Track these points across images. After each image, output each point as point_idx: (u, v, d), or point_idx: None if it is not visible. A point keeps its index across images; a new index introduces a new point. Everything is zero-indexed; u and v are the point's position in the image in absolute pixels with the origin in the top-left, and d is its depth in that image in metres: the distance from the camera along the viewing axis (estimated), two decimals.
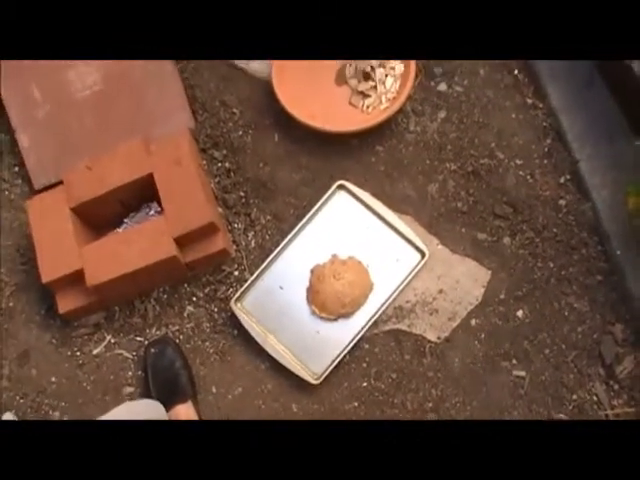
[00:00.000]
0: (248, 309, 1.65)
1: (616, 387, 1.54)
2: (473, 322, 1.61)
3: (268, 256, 1.66)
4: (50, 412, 1.68)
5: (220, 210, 1.74)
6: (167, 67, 1.80)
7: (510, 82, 1.75)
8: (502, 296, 1.62)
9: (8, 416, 1.67)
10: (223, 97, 1.82)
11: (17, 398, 1.69)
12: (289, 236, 1.66)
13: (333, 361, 1.59)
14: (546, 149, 1.69)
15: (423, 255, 1.62)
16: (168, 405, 1.58)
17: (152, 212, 1.73)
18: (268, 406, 1.62)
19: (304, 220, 1.67)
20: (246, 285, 1.65)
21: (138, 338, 1.70)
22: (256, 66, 1.83)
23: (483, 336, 1.60)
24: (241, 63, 1.83)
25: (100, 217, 1.71)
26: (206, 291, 1.70)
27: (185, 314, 1.70)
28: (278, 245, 1.67)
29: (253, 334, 1.62)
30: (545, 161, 1.68)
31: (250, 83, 1.83)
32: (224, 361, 1.66)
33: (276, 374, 1.63)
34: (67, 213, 1.64)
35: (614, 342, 1.56)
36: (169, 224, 1.59)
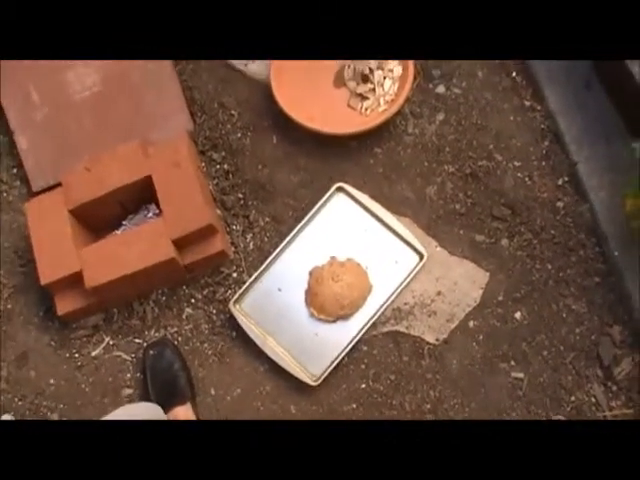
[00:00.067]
0: (247, 311, 1.65)
1: (614, 388, 1.54)
2: (471, 324, 1.61)
3: (267, 258, 1.66)
4: (49, 414, 1.67)
5: (219, 212, 1.74)
6: (166, 69, 1.80)
7: (508, 84, 1.75)
8: (500, 298, 1.62)
9: (6, 418, 1.67)
10: (222, 99, 1.83)
11: (15, 400, 1.69)
12: (288, 238, 1.67)
13: (332, 363, 1.59)
14: (544, 151, 1.69)
15: (421, 257, 1.63)
16: (167, 407, 1.58)
17: (150, 214, 1.73)
18: (267, 408, 1.62)
19: (303, 222, 1.67)
20: (245, 287, 1.65)
21: (137, 340, 1.70)
22: (255, 68, 1.83)
23: (481, 338, 1.60)
24: (240, 65, 1.83)
25: (99, 219, 1.71)
26: (205, 293, 1.70)
27: (184, 316, 1.70)
28: (277, 247, 1.67)
29: (252, 336, 1.62)
30: (543, 163, 1.69)
31: (249, 85, 1.83)
32: (223, 363, 1.66)
33: (275, 376, 1.63)
34: (66, 215, 1.64)
35: (612, 344, 1.56)
36: (167, 226, 1.59)
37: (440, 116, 1.75)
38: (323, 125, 1.70)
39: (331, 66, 1.77)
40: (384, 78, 1.73)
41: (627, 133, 1.60)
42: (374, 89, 1.73)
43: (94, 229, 1.73)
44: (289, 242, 1.67)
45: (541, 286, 1.62)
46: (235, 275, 1.70)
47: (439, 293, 1.63)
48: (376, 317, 1.61)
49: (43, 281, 1.61)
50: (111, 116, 1.79)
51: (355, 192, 1.68)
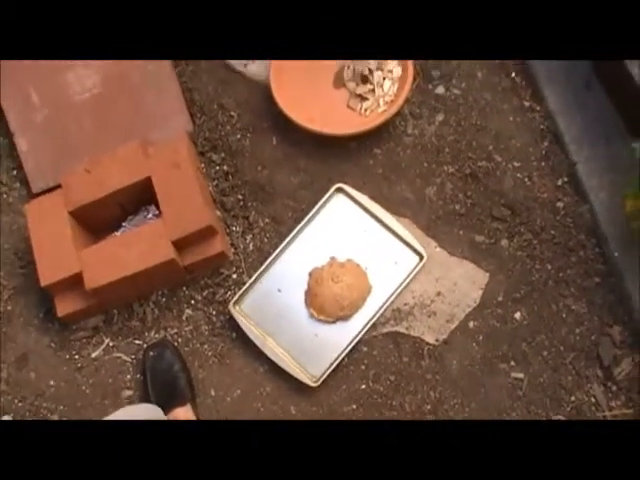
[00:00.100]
0: (246, 312, 1.65)
1: (614, 389, 1.54)
2: (471, 324, 1.61)
3: (266, 259, 1.66)
4: (49, 415, 1.68)
5: (218, 213, 1.74)
6: (165, 70, 1.80)
7: (508, 85, 1.75)
8: (500, 298, 1.62)
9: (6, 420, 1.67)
10: (221, 100, 1.83)
11: (15, 401, 1.69)
12: (287, 239, 1.67)
13: (331, 364, 1.59)
14: (544, 151, 1.69)
15: (421, 258, 1.63)
16: (167, 408, 1.58)
17: (150, 215, 1.73)
18: (267, 409, 1.62)
19: (302, 223, 1.67)
20: (244, 288, 1.65)
21: (137, 341, 1.70)
22: (254, 69, 1.83)
23: (481, 338, 1.60)
24: (239, 66, 1.84)
25: (98, 220, 1.71)
26: (204, 294, 1.70)
27: (184, 317, 1.70)
28: (276, 248, 1.67)
29: (252, 337, 1.62)
30: (543, 163, 1.69)
31: (248, 86, 1.83)
32: (223, 364, 1.66)
33: (275, 377, 1.63)
34: (65, 216, 1.64)
35: (612, 344, 1.56)
36: (167, 227, 1.59)
37: (439, 117, 1.75)
38: (323, 126, 1.70)
39: (331, 67, 1.77)
40: (383, 79, 1.73)
41: (627, 133, 1.60)
42: (373, 90, 1.73)
43: (94, 230, 1.73)
44: (289, 243, 1.67)
45: (541, 286, 1.62)
46: (235, 276, 1.70)
47: (439, 294, 1.63)
48: (376, 318, 1.61)
49: (43, 283, 1.62)
50: (111, 117, 1.79)
51: (355, 193, 1.68)
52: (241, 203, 1.75)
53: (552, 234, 1.64)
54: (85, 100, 1.81)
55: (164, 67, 1.80)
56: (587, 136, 1.65)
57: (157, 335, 1.69)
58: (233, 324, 1.65)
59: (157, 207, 1.67)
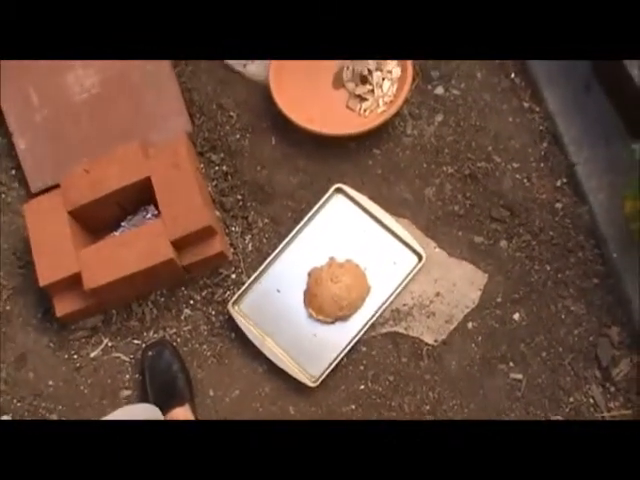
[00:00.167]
0: (245, 312, 1.65)
1: (612, 389, 1.54)
2: (470, 325, 1.61)
3: (265, 259, 1.66)
4: (47, 415, 1.67)
5: (217, 213, 1.74)
6: (165, 70, 1.80)
7: (507, 86, 1.75)
8: (499, 299, 1.62)
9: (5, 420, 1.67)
10: (220, 100, 1.83)
11: (14, 401, 1.69)
12: (286, 239, 1.67)
13: (330, 364, 1.59)
14: (543, 152, 1.69)
15: (420, 258, 1.63)
16: (165, 408, 1.58)
17: (149, 215, 1.73)
18: (266, 409, 1.62)
19: (301, 223, 1.67)
20: (243, 288, 1.65)
21: (135, 341, 1.70)
22: (254, 69, 1.83)
23: (480, 339, 1.61)
24: (238, 66, 1.84)
25: (97, 220, 1.71)
26: (203, 294, 1.70)
27: (182, 317, 1.70)
28: (275, 248, 1.67)
29: (250, 337, 1.62)
30: (542, 164, 1.69)
31: (247, 86, 1.83)
32: (221, 364, 1.66)
33: (274, 377, 1.63)
34: (64, 216, 1.64)
35: (610, 345, 1.56)
36: (166, 227, 1.59)
37: (439, 117, 1.75)
38: (322, 126, 1.70)
39: (330, 67, 1.77)
40: (383, 79, 1.73)
41: (626, 135, 1.60)
42: (373, 90, 1.73)
43: (93, 230, 1.73)
44: (288, 243, 1.67)
45: (540, 287, 1.62)
46: (234, 276, 1.70)
47: (438, 294, 1.63)
48: (375, 318, 1.61)
49: (42, 282, 1.61)
50: (110, 118, 1.79)
51: (354, 193, 1.68)
52: (240, 203, 1.75)
53: (551, 235, 1.64)
54: (84, 100, 1.81)
55: (163, 67, 1.80)
56: (586, 137, 1.65)
57: (156, 335, 1.69)
58: (232, 324, 1.65)
59: (156, 207, 1.67)
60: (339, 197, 1.69)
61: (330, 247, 1.66)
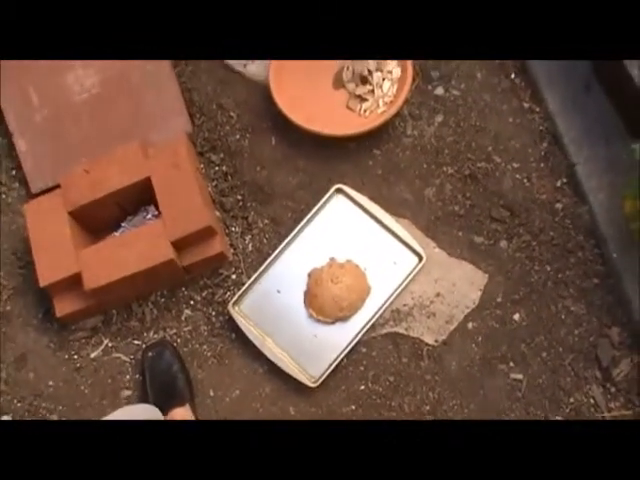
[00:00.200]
0: (246, 312, 1.65)
1: (613, 390, 1.54)
2: (470, 325, 1.61)
3: (266, 259, 1.66)
4: (47, 415, 1.67)
5: (217, 214, 1.74)
6: (165, 70, 1.80)
7: (507, 86, 1.75)
8: (499, 299, 1.62)
9: (5, 420, 1.67)
10: (220, 100, 1.83)
11: (14, 402, 1.69)
12: (287, 239, 1.67)
13: (331, 364, 1.59)
14: (543, 153, 1.69)
15: (420, 258, 1.63)
16: (166, 408, 1.58)
17: (149, 216, 1.73)
18: (266, 409, 1.62)
19: (302, 223, 1.67)
20: (244, 288, 1.65)
21: (136, 342, 1.70)
22: (254, 69, 1.83)
23: (480, 339, 1.60)
24: (239, 66, 1.84)
25: (98, 221, 1.71)
26: (204, 294, 1.70)
27: (183, 317, 1.70)
28: (276, 248, 1.67)
29: (251, 337, 1.62)
30: (542, 164, 1.69)
31: (247, 87, 1.83)
32: (222, 364, 1.66)
33: (274, 377, 1.63)
34: (65, 217, 1.64)
35: (611, 345, 1.56)
36: (167, 227, 1.59)
37: (439, 118, 1.75)
38: (322, 127, 1.70)
39: (330, 68, 1.77)
40: (383, 80, 1.73)
41: (626, 134, 1.60)
42: (373, 91, 1.73)
43: (93, 231, 1.73)
44: (288, 244, 1.67)
45: (540, 288, 1.62)
46: (234, 277, 1.70)
47: (438, 294, 1.63)
48: (375, 319, 1.61)
49: (42, 283, 1.61)
50: (110, 118, 1.79)
51: (354, 194, 1.68)
52: (240, 203, 1.75)
53: (551, 235, 1.64)
54: (84, 100, 1.81)
55: (163, 67, 1.80)
56: (586, 137, 1.65)
57: (156, 335, 1.69)
58: (232, 324, 1.65)
59: (156, 207, 1.67)
60: (339, 197, 1.69)
61: (330, 247, 1.66)
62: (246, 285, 1.65)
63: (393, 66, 1.73)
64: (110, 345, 1.70)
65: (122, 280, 1.58)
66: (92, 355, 1.70)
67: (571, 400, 1.55)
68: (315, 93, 1.77)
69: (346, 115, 1.75)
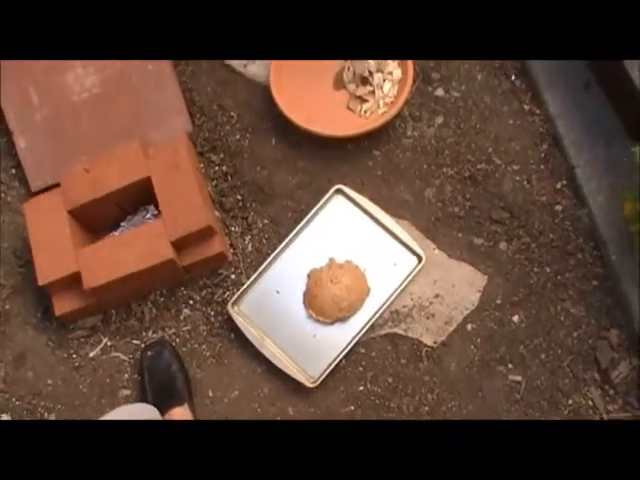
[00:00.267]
0: (245, 312, 1.65)
1: (611, 392, 1.54)
2: (469, 327, 1.61)
3: (265, 260, 1.66)
4: (46, 414, 1.67)
5: (217, 214, 1.74)
6: (165, 70, 1.80)
7: (507, 88, 1.75)
8: (498, 301, 1.62)
9: (4, 418, 1.66)
10: (221, 101, 1.83)
11: (13, 400, 1.69)
12: (286, 240, 1.67)
13: (330, 365, 1.59)
14: (543, 155, 1.69)
15: (420, 259, 1.63)
16: (164, 408, 1.58)
17: (149, 215, 1.73)
18: (264, 409, 1.62)
19: (301, 224, 1.67)
20: (243, 288, 1.65)
21: (135, 341, 1.69)
22: (254, 70, 1.83)
23: (479, 341, 1.61)
24: (239, 67, 1.84)
25: (97, 220, 1.71)
26: (203, 294, 1.70)
27: (182, 317, 1.70)
28: (275, 249, 1.67)
29: (250, 337, 1.62)
30: (542, 166, 1.69)
31: (248, 87, 1.83)
32: (221, 364, 1.66)
33: (273, 377, 1.63)
34: (64, 215, 1.64)
35: (610, 347, 1.56)
36: (166, 227, 1.59)
37: (439, 119, 1.75)
38: (322, 127, 1.70)
39: (331, 68, 1.77)
40: (383, 81, 1.73)
41: (626, 137, 1.60)
42: (373, 92, 1.73)
43: (92, 230, 1.73)
44: (288, 244, 1.67)
45: (539, 289, 1.62)
46: (233, 277, 1.70)
47: (437, 296, 1.63)
48: (374, 319, 1.61)
49: (41, 282, 1.61)
50: (110, 117, 1.79)
51: (354, 194, 1.68)
52: (240, 204, 1.75)
53: (551, 237, 1.64)
54: (84, 100, 1.81)
55: (164, 67, 1.80)
56: (586, 139, 1.65)
57: (155, 335, 1.69)
58: (231, 324, 1.65)
59: (156, 207, 1.67)
60: (339, 198, 1.69)
61: (330, 248, 1.66)
62: (245, 285, 1.65)
63: (394, 67, 1.73)
64: (109, 344, 1.70)
65: (121, 279, 1.58)
66: (91, 354, 1.70)
67: (570, 402, 1.55)
68: (315, 94, 1.77)
69: (346, 116, 1.75)
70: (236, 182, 1.76)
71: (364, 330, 1.60)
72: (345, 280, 1.60)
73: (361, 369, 1.62)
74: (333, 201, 1.69)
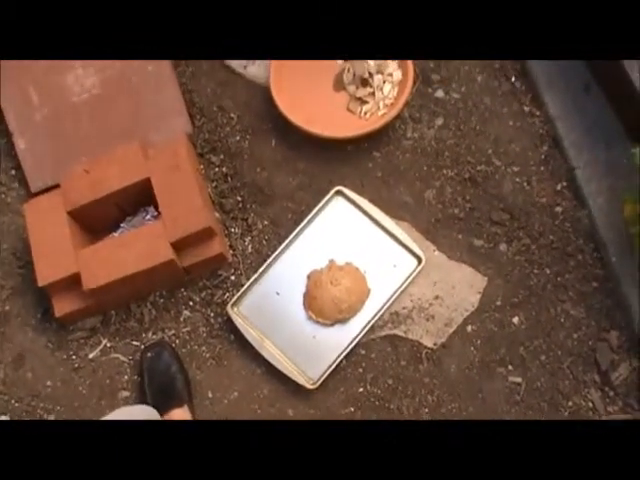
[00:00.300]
0: (244, 314, 1.65)
1: (611, 394, 1.54)
2: (469, 328, 1.61)
3: (265, 261, 1.66)
4: (45, 416, 1.67)
5: (217, 215, 1.74)
6: (165, 71, 1.80)
7: (507, 89, 1.75)
8: (498, 302, 1.62)
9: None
10: (221, 102, 1.83)
11: (12, 402, 1.68)
12: (286, 241, 1.67)
13: (329, 366, 1.59)
14: (543, 156, 1.69)
15: (420, 261, 1.63)
16: (164, 409, 1.58)
17: (149, 216, 1.73)
18: (264, 411, 1.62)
19: (301, 225, 1.67)
20: (243, 290, 1.65)
21: (134, 342, 1.69)
22: (254, 71, 1.83)
23: (479, 342, 1.60)
24: (239, 68, 1.84)
25: (97, 221, 1.71)
26: (202, 295, 1.70)
27: (181, 318, 1.70)
28: (275, 250, 1.67)
29: (249, 339, 1.62)
30: (542, 168, 1.69)
31: (248, 88, 1.83)
32: (220, 366, 1.66)
33: (272, 379, 1.63)
34: (64, 216, 1.64)
35: (609, 349, 1.56)
36: (166, 228, 1.59)
37: (439, 121, 1.75)
38: (322, 129, 1.70)
39: (331, 69, 1.77)
40: (384, 82, 1.73)
41: (626, 138, 1.61)
42: (373, 93, 1.73)
43: (92, 231, 1.72)
44: (287, 245, 1.67)
45: (539, 291, 1.62)
46: (233, 278, 1.70)
47: (437, 297, 1.63)
48: (374, 321, 1.61)
49: (41, 283, 1.61)
50: (110, 118, 1.79)
51: (354, 196, 1.68)
52: (240, 205, 1.75)
53: (551, 239, 1.64)
54: (84, 100, 1.81)
55: (164, 68, 1.80)
56: (586, 141, 1.65)
57: (155, 336, 1.69)
58: (231, 326, 1.65)
59: (156, 208, 1.67)
60: (339, 199, 1.69)
61: (330, 250, 1.66)
62: (245, 286, 1.65)
63: (394, 69, 1.73)
64: (109, 345, 1.70)
65: (121, 280, 1.58)
66: (90, 355, 1.70)
67: (569, 404, 1.55)
68: (315, 95, 1.77)
69: (346, 117, 1.75)
70: (236, 183, 1.76)
71: (364, 332, 1.60)
72: (345, 282, 1.60)
73: (361, 371, 1.62)
74: (333, 202, 1.69)
